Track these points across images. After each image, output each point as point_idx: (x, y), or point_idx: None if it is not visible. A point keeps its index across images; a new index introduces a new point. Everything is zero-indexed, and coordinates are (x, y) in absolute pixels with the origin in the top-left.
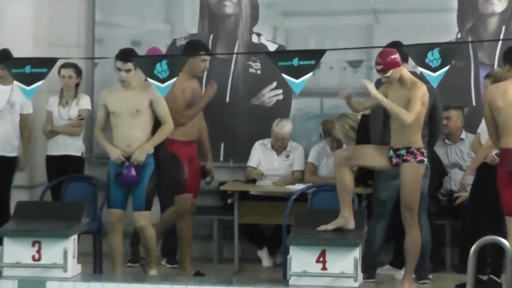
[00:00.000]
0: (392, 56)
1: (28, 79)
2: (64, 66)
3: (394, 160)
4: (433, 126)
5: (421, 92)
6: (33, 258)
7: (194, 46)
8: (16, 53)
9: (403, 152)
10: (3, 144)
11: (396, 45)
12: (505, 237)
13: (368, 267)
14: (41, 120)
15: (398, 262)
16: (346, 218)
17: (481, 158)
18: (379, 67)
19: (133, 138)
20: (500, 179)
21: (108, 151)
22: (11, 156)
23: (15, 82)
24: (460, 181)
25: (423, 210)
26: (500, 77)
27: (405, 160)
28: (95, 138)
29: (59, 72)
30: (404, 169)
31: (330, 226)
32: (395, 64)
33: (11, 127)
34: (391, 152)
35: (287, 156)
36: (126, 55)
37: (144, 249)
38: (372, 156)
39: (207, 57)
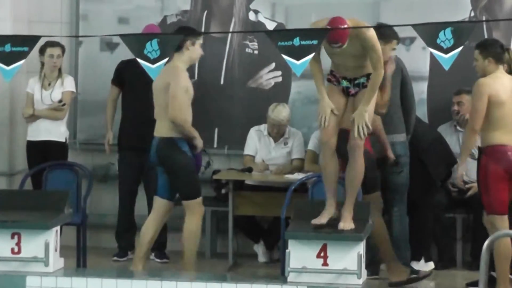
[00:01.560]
0: (344, 31)
1: (7, 59)
2: (52, 44)
3: (353, 90)
4: (405, 103)
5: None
6: (12, 251)
7: (191, 31)
8: (3, 31)
9: (362, 80)
10: None
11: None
12: None
13: (372, 262)
14: (21, 103)
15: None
16: (328, 210)
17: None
18: (338, 45)
19: None
20: (493, 176)
21: (197, 138)
22: None
23: None
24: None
25: (399, 202)
26: (509, 60)
27: (366, 86)
28: (182, 124)
29: (43, 51)
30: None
31: (323, 220)
32: (347, 35)
33: None
34: (345, 82)
35: (285, 143)
36: None
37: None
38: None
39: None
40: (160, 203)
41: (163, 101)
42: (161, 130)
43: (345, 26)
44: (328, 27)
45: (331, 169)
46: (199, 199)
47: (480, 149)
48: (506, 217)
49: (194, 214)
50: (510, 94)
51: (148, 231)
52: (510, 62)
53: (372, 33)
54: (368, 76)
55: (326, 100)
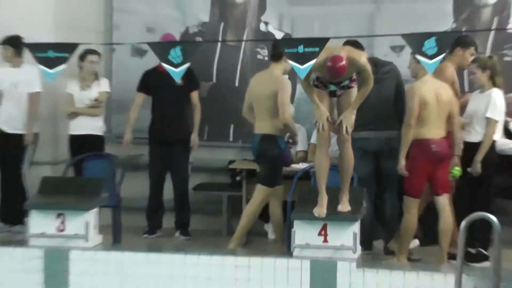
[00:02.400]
0: (343, 66)
1: (51, 63)
2: (91, 52)
3: (339, 92)
4: (399, 104)
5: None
6: (58, 229)
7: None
8: (38, 38)
9: (347, 82)
10: (10, 123)
11: (353, 42)
12: (494, 214)
13: (365, 239)
14: (62, 102)
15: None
16: (323, 199)
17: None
18: (337, 80)
19: None
20: (418, 164)
21: (297, 135)
22: (17, 133)
23: (25, 65)
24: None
25: (391, 188)
26: (485, 63)
27: (351, 87)
28: (290, 126)
29: (83, 57)
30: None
31: (324, 210)
32: (345, 70)
33: (17, 106)
34: (332, 86)
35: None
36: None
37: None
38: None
39: None
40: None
41: (267, 105)
42: (264, 128)
43: (343, 63)
44: (328, 63)
45: (325, 167)
46: (270, 190)
47: (416, 142)
48: (417, 200)
49: (259, 198)
50: (434, 97)
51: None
52: (493, 67)
53: (364, 59)
54: (351, 78)
55: (322, 109)
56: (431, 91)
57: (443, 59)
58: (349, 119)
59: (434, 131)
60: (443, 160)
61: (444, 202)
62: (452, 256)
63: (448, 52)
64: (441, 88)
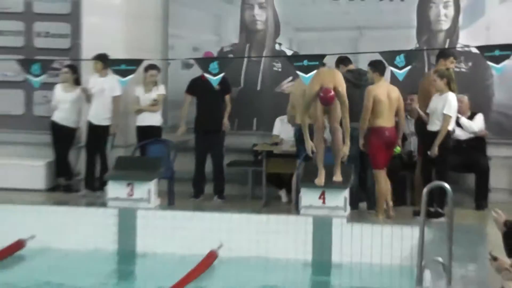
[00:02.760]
0: (332, 96)
1: (123, 73)
2: (152, 67)
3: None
4: None
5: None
6: (128, 194)
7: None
8: (114, 55)
9: None
10: (97, 117)
11: (344, 58)
12: (448, 183)
13: (353, 202)
14: (130, 102)
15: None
16: (322, 173)
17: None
18: (329, 106)
19: None
20: (373, 146)
21: None
22: (105, 125)
23: (110, 75)
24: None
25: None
26: (443, 73)
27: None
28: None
29: (147, 70)
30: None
31: (322, 180)
32: (334, 99)
33: (102, 105)
34: None
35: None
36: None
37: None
38: None
39: None
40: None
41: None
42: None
43: (332, 93)
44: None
45: (321, 150)
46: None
47: (369, 129)
48: (383, 170)
49: (379, 179)
50: (385, 96)
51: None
52: (449, 76)
53: (344, 90)
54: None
55: (309, 143)
56: (384, 92)
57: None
58: (345, 150)
59: (387, 121)
60: (392, 142)
61: (381, 174)
62: (416, 213)
63: (435, 63)
64: (391, 90)
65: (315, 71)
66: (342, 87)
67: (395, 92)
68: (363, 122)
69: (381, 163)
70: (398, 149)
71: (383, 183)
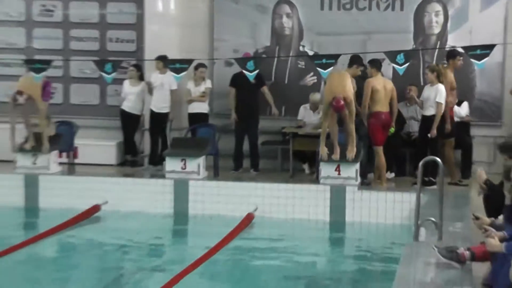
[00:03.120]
0: (343, 105)
1: (177, 71)
2: (201, 65)
3: None
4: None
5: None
6: (182, 168)
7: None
8: (170, 56)
9: None
10: (157, 106)
11: (356, 57)
12: (440, 157)
13: (363, 173)
14: (183, 93)
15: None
16: (337, 150)
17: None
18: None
19: None
20: (373, 127)
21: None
22: (164, 112)
23: (168, 72)
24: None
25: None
26: (434, 68)
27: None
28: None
29: (197, 68)
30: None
31: (338, 156)
32: (344, 108)
33: (161, 97)
34: None
35: (319, 113)
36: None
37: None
38: None
39: None
40: None
41: None
42: None
43: (342, 103)
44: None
45: (336, 131)
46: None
47: (369, 114)
48: (381, 147)
49: (379, 154)
50: (382, 86)
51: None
52: (438, 71)
53: (352, 96)
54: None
55: (324, 149)
56: (380, 83)
57: (447, 67)
58: (351, 153)
59: (383, 107)
60: (388, 124)
61: (379, 151)
62: (414, 183)
63: (447, 63)
64: (386, 82)
65: (329, 73)
66: (351, 95)
67: (389, 84)
68: (364, 108)
69: (379, 141)
70: (392, 129)
71: (382, 157)
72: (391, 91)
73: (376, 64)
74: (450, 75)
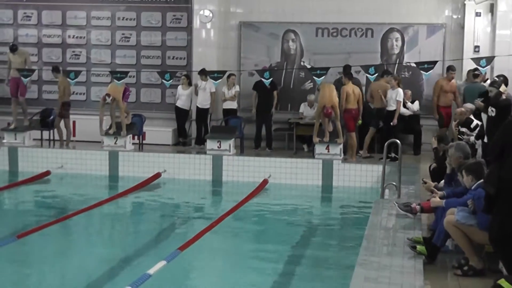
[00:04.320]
0: (331, 112)
1: (216, 78)
2: (233, 75)
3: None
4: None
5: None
6: (217, 147)
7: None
8: (210, 68)
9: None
10: (202, 103)
11: (347, 68)
12: (398, 139)
13: (345, 151)
14: (219, 95)
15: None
16: (326, 134)
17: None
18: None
19: None
20: (347, 119)
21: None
22: (206, 108)
23: (209, 79)
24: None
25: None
26: (396, 77)
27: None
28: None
29: (229, 76)
30: None
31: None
32: (332, 114)
33: (204, 97)
34: None
35: (314, 108)
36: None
37: None
38: None
39: None
40: None
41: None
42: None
43: (330, 110)
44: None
45: (327, 124)
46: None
47: (344, 110)
48: (353, 132)
49: (352, 137)
50: (352, 91)
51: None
52: (399, 79)
53: (337, 107)
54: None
55: (316, 138)
56: (350, 89)
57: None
58: (340, 139)
59: (353, 105)
60: (356, 117)
61: (352, 135)
62: (381, 158)
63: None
64: (355, 88)
65: (322, 82)
66: (336, 102)
67: (357, 89)
68: (341, 106)
69: (351, 128)
70: (359, 121)
71: (354, 140)
72: (358, 94)
73: (348, 75)
74: (453, 83)
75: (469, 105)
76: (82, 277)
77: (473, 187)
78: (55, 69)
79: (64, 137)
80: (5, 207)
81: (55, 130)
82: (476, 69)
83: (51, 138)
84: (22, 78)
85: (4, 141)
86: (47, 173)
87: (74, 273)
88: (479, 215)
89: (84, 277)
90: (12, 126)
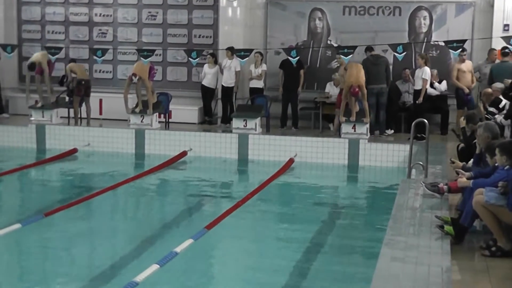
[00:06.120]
0: (357, 91)
1: (242, 57)
2: (259, 54)
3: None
4: (387, 74)
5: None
6: (243, 126)
7: None
8: (237, 46)
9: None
10: (227, 82)
11: (370, 48)
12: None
13: (371, 130)
14: (246, 75)
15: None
16: (354, 113)
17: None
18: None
19: None
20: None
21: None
22: (231, 86)
23: (234, 58)
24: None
25: (383, 107)
26: (423, 56)
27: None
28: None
29: (255, 55)
30: None
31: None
32: (358, 93)
33: (229, 76)
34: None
35: (339, 87)
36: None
37: None
38: None
39: None
40: None
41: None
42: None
43: (357, 89)
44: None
45: (352, 102)
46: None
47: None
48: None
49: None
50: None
51: None
52: (426, 58)
53: (364, 85)
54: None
55: (342, 118)
56: (353, 68)
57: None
58: (367, 118)
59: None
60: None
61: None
62: (408, 138)
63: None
64: (360, 69)
65: (349, 62)
66: (363, 81)
67: (360, 68)
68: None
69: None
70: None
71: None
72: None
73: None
74: (469, 63)
75: (498, 85)
76: (108, 254)
77: (506, 168)
78: (73, 60)
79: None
80: (32, 185)
81: (83, 107)
82: (505, 48)
83: (78, 116)
84: (49, 55)
85: (32, 118)
86: (74, 150)
87: (101, 251)
88: (510, 196)
89: (111, 254)
90: (39, 104)
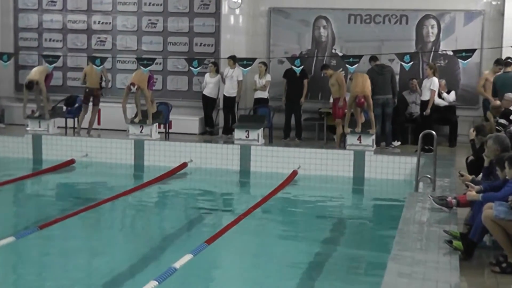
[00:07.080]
0: (363, 102)
1: (245, 66)
2: (263, 63)
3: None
4: (393, 85)
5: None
6: (245, 136)
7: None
8: (239, 55)
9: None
10: (228, 92)
11: (374, 57)
12: (433, 130)
13: (377, 142)
14: (250, 85)
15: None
16: (359, 124)
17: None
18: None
19: None
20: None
21: None
22: (233, 96)
23: (236, 67)
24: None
25: (389, 118)
26: (431, 66)
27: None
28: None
29: (264, 64)
30: None
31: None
32: (364, 104)
33: (231, 85)
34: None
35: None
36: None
37: None
38: None
39: None
40: None
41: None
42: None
43: (363, 100)
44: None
45: (358, 112)
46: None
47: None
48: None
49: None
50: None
51: None
52: (434, 67)
53: (369, 95)
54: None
55: (347, 129)
56: (359, 78)
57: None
58: (373, 129)
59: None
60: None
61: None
62: (416, 150)
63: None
64: (365, 79)
65: (355, 71)
66: (369, 92)
67: (365, 78)
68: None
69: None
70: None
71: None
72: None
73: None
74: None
75: (511, 95)
76: (105, 269)
77: None
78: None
79: (86, 125)
80: (28, 197)
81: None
82: (508, 58)
83: (76, 126)
84: (47, 64)
85: (28, 128)
86: (72, 161)
87: (97, 266)
88: None
89: (107, 269)
90: (36, 114)
